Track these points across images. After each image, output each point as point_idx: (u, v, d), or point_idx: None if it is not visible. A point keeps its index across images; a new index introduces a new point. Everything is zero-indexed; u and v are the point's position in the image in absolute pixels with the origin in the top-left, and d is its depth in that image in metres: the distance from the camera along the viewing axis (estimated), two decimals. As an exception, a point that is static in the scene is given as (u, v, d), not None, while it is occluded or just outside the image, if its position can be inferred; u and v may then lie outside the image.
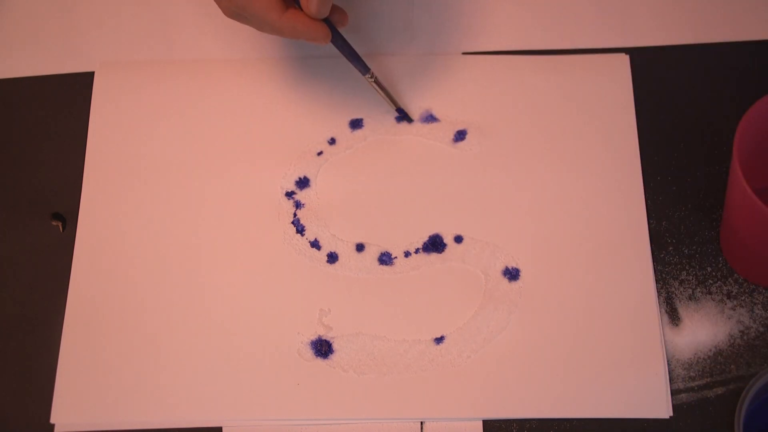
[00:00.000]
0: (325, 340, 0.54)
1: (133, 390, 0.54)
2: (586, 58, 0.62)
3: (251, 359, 0.54)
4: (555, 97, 0.60)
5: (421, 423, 0.53)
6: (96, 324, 0.56)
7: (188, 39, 0.64)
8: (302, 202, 0.59)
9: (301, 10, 0.51)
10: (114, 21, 0.66)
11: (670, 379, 0.53)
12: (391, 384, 0.53)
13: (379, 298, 0.56)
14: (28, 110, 0.63)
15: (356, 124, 0.60)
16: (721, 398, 0.52)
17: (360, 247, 0.57)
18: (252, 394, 0.53)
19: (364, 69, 0.57)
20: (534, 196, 0.58)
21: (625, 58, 0.61)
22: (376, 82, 0.57)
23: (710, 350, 0.54)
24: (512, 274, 0.56)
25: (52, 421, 0.53)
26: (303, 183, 0.59)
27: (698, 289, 0.55)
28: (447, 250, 0.57)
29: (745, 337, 0.54)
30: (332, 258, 0.57)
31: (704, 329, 0.54)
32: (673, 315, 0.55)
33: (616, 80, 0.61)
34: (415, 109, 0.61)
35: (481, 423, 0.52)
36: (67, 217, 0.59)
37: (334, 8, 0.53)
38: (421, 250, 0.57)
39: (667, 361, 0.53)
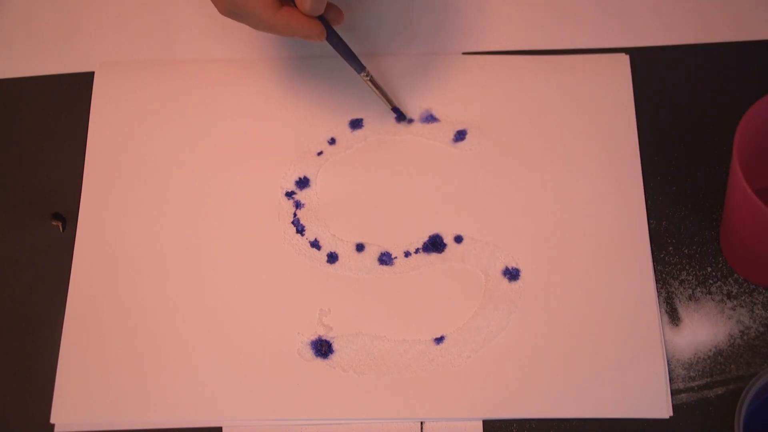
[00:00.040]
0: (325, 340, 0.54)
1: (133, 390, 0.54)
2: (586, 58, 0.62)
3: (251, 359, 0.54)
4: (555, 97, 0.60)
5: (421, 423, 0.53)
6: (96, 324, 0.56)
7: (188, 39, 0.64)
8: (302, 202, 0.59)
9: (296, 7, 0.50)
10: (114, 21, 0.66)
11: (670, 379, 0.53)
12: (391, 384, 0.53)
13: (379, 298, 0.56)
14: (28, 110, 0.63)
15: (356, 124, 0.60)
16: (721, 398, 0.52)
17: (360, 247, 0.57)
18: (252, 394, 0.53)
19: (360, 67, 0.57)
20: (534, 196, 0.58)
21: (625, 58, 0.61)
22: (372, 80, 0.57)
23: (710, 350, 0.54)
24: (512, 274, 0.56)
25: (52, 421, 0.53)
26: (303, 183, 0.59)
27: (698, 289, 0.55)
28: (447, 250, 0.57)
29: (745, 337, 0.54)
30: (332, 258, 0.57)
31: (704, 329, 0.54)
32: (673, 315, 0.55)
33: (616, 80, 0.61)
34: (415, 109, 0.61)
35: (481, 423, 0.52)
36: (67, 217, 0.59)
37: (330, 6, 0.53)
38: (421, 250, 0.57)
39: (667, 361, 0.53)
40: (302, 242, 0.57)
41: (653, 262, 0.56)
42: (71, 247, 0.58)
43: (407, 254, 0.57)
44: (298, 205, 0.59)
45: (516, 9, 0.64)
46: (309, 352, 0.54)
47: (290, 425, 0.53)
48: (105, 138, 0.61)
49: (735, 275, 0.55)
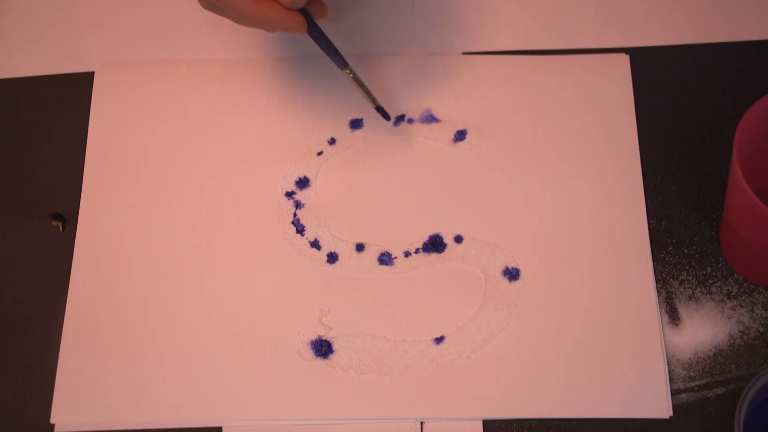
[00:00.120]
0: (325, 340, 0.54)
1: (133, 390, 0.54)
2: (586, 58, 0.62)
3: (251, 359, 0.54)
4: (555, 97, 0.60)
5: (421, 423, 0.53)
6: (96, 324, 0.56)
7: (188, 39, 0.64)
8: (302, 202, 0.59)
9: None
10: (114, 21, 0.66)
11: (670, 379, 0.53)
12: (391, 384, 0.53)
13: (379, 298, 0.56)
14: (28, 110, 0.63)
15: (356, 124, 0.60)
16: (721, 398, 0.52)
17: (360, 247, 0.57)
18: (252, 394, 0.53)
19: (342, 64, 0.55)
20: (534, 196, 0.58)
21: (625, 58, 0.61)
22: (355, 78, 0.56)
23: (710, 350, 0.54)
24: (512, 274, 0.56)
25: (52, 421, 0.53)
26: (303, 183, 0.59)
27: (698, 289, 0.55)
28: (447, 250, 0.57)
29: (745, 337, 0.54)
30: (332, 258, 0.57)
31: (704, 329, 0.54)
32: (673, 315, 0.55)
33: (616, 80, 0.61)
34: (415, 109, 0.61)
35: (481, 423, 0.52)
36: (67, 217, 0.59)
37: (313, 0, 0.51)
38: (421, 250, 0.57)
39: (667, 361, 0.53)
40: (302, 242, 0.57)
41: (653, 262, 0.56)
42: (71, 247, 0.58)
43: (407, 254, 0.57)
44: (298, 205, 0.59)
45: (516, 9, 0.64)
46: (309, 352, 0.54)
47: (290, 425, 0.53)
48: (105, 138, 0.61)
49: (735, 275, 0.55)
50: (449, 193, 0.58)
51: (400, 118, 0.60)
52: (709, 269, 0.56)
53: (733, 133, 0.48)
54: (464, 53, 0.63)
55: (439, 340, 0.54)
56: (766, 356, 0.53)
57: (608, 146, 0.59)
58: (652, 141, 0.59)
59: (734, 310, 0.55)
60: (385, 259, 0.57)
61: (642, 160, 0.58)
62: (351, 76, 0.56)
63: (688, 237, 0.57)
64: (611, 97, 0.60)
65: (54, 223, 0.59)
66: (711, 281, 0.55)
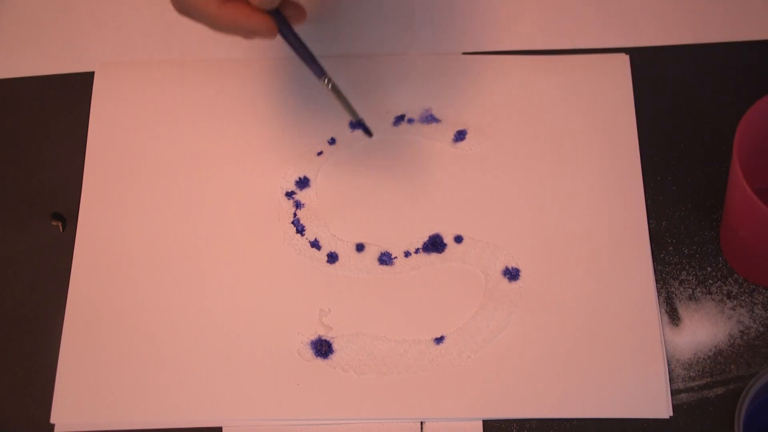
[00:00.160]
0: (325, 340, 0.54)
1: (133, 390, 0.54)
2: (586, 58, 0.62)
3: (251, 359, 0.54)
4: (555, 97, 0.60)
5: (421, 423, 0.53)
6: (96, 324, 0.56)
7: (188, 39, 0.64)
8: (302, 202, 0.59)
9: (245, 1, 0.47)
10: (114, 21, 0.66)
11: (670, 379, 0.53)
12: (391, 384, 0.53)
13: (379, 298, 0.56)
14: (28, 110, 0.63)
15: (356, 124, 0.60)
16: (721, 398, 0.52)
17: (360, 247, 0.57)
18: (252, 394, 0.53)
19: (319, 72, 0.52)
20: (534, 196, 0.58)
21: (625, 58, 0.61)
22: (334, 88, 0.52)
23: (710, 350, 0.54)
24: (512, 274, 0.56)
25: (52, 421, 0.53)
26: (303, 183, 0.59)
27: (698, 289, 0.55)
28: (447, 250, 0.57)
29: (745, 337, 0.54)
30: (332, 258, 0.57)
31: (704, 329, 0.54)
32: (673, 315, 0.55)
33: (616, 80, 0.61)
34: (415, 109, 0.61)
35: (481, 423, 0.52)
36: (67, 217, 0.59)
37: (289, 2, 0.49)
38: (421, 250, 0.57)
39: (667, 361, 0.53)
40: (302, 242, 0.57)
41: (653, 262, 0.56)
42: (71, 247, 0.58)
43: (407, 254, 0.57)
44: (298, 205, 0.59)
45: (516, 9, 0.64)
46: (309, 352, 0.54)
47: (290, 425, 0.53)
48: (105, 138, 0.61)
49: (735, 275, 0.55)
50: (449, 193, 0.58)
51: (400, 118, 0.60)
52: (709, 269, 0.56)
53: (733, 133, 0.48)
54: (464, 53, 0.63)
55: (439, 340, 0.54)
56: (766, 356, 0.53)
57: (608, 146, 0.59)
58: (652, 141, 0.59)
59: (734, 310, 0.55)
60: (385, 259, 0.57)
61: (642, 160, 0.58)
62: (329, 86, 0.52)
63: (688, 237, 0.57)
64: (611, 97, 0.60)
65: (54, 223, 0.59)
66: (711, 281, 0.55)
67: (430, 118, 0.60)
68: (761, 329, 0.54)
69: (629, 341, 0.53)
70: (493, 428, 0.52)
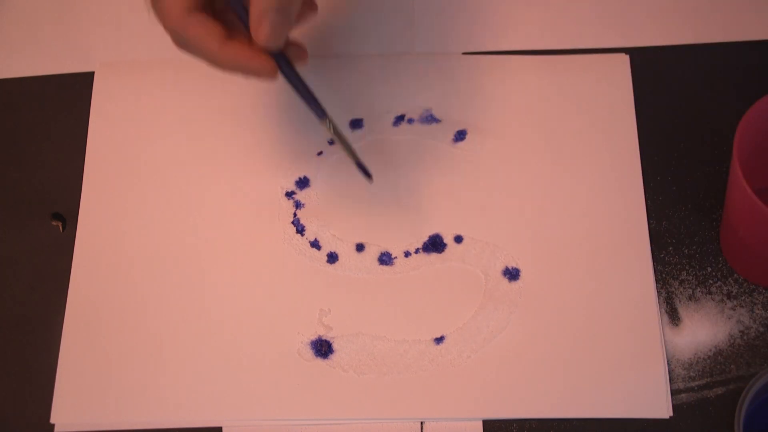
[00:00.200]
0: (325, 340, 0.54)
1: (133, 390, 0.54)
2: (586, 58, 0.62)
3: (251, 359, 0.54)
4: (555, 97, 0.60)
5: (421, 423, 0.53)
6: (96, 324, 0.56)
7: (188, 39, 0.64)
8: (302, 202, 0.59)
9: (248, 41, 0.45)
10: (114, 21, 0.66)
11: (670, 379, 0.53)
12: (391, 384, 0.53)
13: (379, 298, 0.56)
14: (28, 110, 0.63)
15: (356, 124, 0.60)
16: (721, 398, 0.52)
17: (360, 247, 0.57)
18: (252, 394, 0.53)
19: (321, 114, 0.50)
20: (534, 196, 0.58)
21: (625, 58, 0.61)
22: (335, 130, 0.51)
23: (710, 350, 0.54)
24: (512, 274, 0.56)
25: (52, 421, 0.53)
26: (303, 183, 0.59)
27: (698, 289, 0.55)
28: (447, 250, 0.57)
29: (745, 337, 0.54)
30: (332, 258, 0.57)
31: (704, 329, 0.54)
32: (673, 315, 0.55)
33: (616, 80, 0.61)
34: (415, 109, 0.61)
35: (481, 423, 0.52)
36: (67, 217, 0.59)
37: (292, 43, 0.48)
38: (421, 250, 0.57)
39: (667, 361, 0.53)
40: (302, 242, 0.57)
41: (653, 262, 0.56)
42: (71, 247, 0.58)
43: (407, 254, 0.57)
44: (298, 205, 0.59)
45: (516, 9, 0.64)
46: (309, 352, 0.54)
47: (290, 425, 0.53)
48: (105, 138, 0.61)
49: (735, 275, 0.55)
50: (449, 193, 0.58)
51: (400, 118, 0.60)
52: (709, 269, 0.56)
53: (733, 133, 0.48)
54: (464, 53, 0.63)
55: (439, 340, 0.54)
56: (766, 356, 0.53)
57: (608, 146, 0.59)
58: (652, 141, 0.59)
59: (734, 310, 0.55)
60: (385, 259, 0.57)
61: (642, 160, 0.58)
62: (330, 128, 0.51)
63: (688, 237, 0.57)
64: (611, 97, 0.60)
65: (54, 223, 0.59)
66: (711, 281, 0.55)
67: (430, 118, 0.60)
68: (761, 329, 0.54)
69: (629, 341, 0.53)
70: (493, 428, 0.52)
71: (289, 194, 0.59)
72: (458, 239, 0.57)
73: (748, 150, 0.49)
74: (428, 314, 0.55)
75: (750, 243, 0.52)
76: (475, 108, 0.61)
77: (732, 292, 0.55)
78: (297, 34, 0.50)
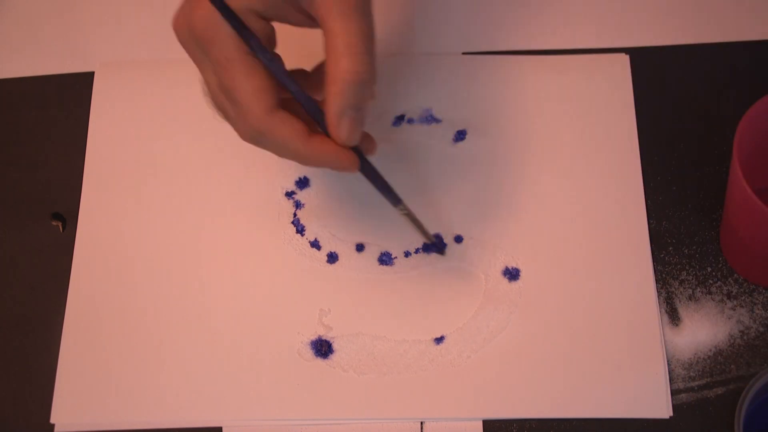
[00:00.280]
0: (325, 340, 0.54)
1: (133, 390, 0.54)
2: (586, 58, 0.62)
3: (251, 359, 0.54)
4: (555, 97, 0.60)
5: (421, 423, 0.53)
6: (96, 324, 0.56)
7: (188, 39, 0.64)
8: (302, 202, 0.59)
9: (328, 137, 0.45)
10: (114, 21, 0.66)
11: (670, 379, 0.53)
12: (391, 384, 0.53)
13: (379, 298, 0.56)
14: (28, 110, 0.63)
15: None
16: (721, 398, 0.52)
17: (360, 247, 0.57)
18: (252, 394, 0.53)
19: (396, 200, 0.51)
20: (534, 196, 0.58)
21: (625, 58, 0.61)
22: (408, 214, 0.52)
23: (710, 350, 0.54)
24: (512, 274, 0.56)
25: (52, 421, 0.53)
26: (303, 183, 0.59)
27: (698, 289, 0.55)
28: (447, 250, 0.57)
29: (745, 337, 0.54)
30: (332, 258, 0.57)
31: (704, 329, 0.54)
32: (673, 315, 0.55)
33: (616, 80, 0.61)
34: (415, 109, 0.61)
35: (481, 423, 0.52)
36: (67, 217, 0.59)
37: (363, 135, 0.47)
38: (420, 250, 0.57)
39: (667, 361, 0.53)
40: (302, 242, 0.57)
41: (653, 262, 0.56)
42: (71, 247, 0.58)
43: (407, 254, 0.57)
44: (298, 205, 0.59)
45: (516, 9, 0.64)
46: (309, 352, 0.54)
47: (290, 425, 0.53)
48: (105, 138, 0.61)
49: (735, 275, 0.55)
50: (449, 193, 0.58)
51: (400, 118, 0.60)
52: (709, 269, 0.56)
53: (733, 133, 0.48)
54: (464, 53, 0.63)
55: (439, 340, 0.54)
56: (766, 356, 0.53)
57: (608, 146, 0.59)
58: (652, 141, 0.59)
59: (734, 310, 0.55)
60: (385, 259, 0.57)
61: (642, 160, 0.58)
62: (404, 213, 0.51)
63: (688, 237, 0.57)
64: (611, 97, 0.60)
65: (54, 223, 0.59)
66: (711, 281, 0.55)
67: (430, 118, 0.60)
68: (761, 329, 0.54)
69: (629, 341, 0.53)
70: (493, 428, 0.53)
71: (289, 194, 0.59)
72: (458, 239, 0.57)
73: (748, 150, 0.49)
74: (428, 314, 0.55)
75: (750, 243, 0.52)
76: (475, 108, 0.60)
77: (732, 292, 0.55)
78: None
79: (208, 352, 0.54)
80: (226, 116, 0.46)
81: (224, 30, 0.42)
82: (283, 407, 0.53)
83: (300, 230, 0.58)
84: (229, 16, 0.41)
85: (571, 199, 0.57)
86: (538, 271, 0.56)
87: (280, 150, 0.45)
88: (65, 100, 0.63)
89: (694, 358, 0.53)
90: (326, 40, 0.42)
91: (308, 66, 0.48)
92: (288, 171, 0.59)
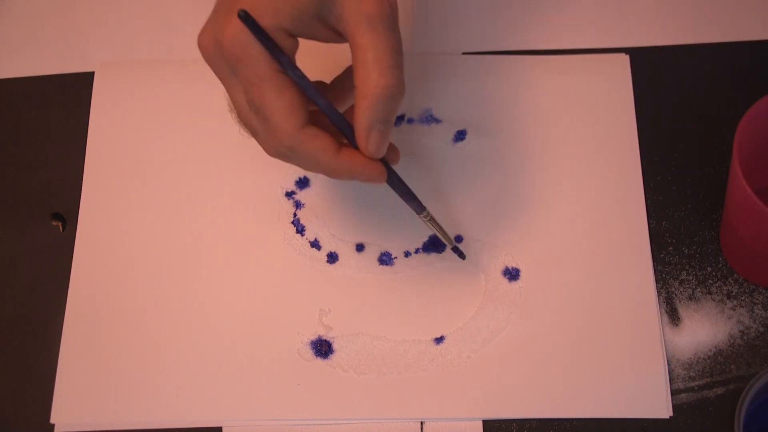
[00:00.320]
0: (325, 340, 0.54)
1: (133, 390, 0.54)
2: (586, 58, 0.62)
3: (251, 359, 0.54)
4: (555, 97, 0.60)
5: (421, 423, 0.53)
6: (96, 324, 0.56)
7: (188, 39, 0.64)
8: (302, 202, 0.59)
9: (356, 149, 0.45)
10: (114, 21, 0.66)
11: (670, 379, 0.53)
12: (391, 384, 0.53)
13: (379, 298, 0.56)
14: (28, 110, 0.63)
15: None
16: (721, 398, 0.52)
17: (360, 247, 0.57)
18: (252, 394, 0.53)
19: (420, 208, 0.51)
20: (534, 196, 0.58)
21: (625, 58, 0.61)
22: (432, 221, 0.52)
23: (710, 350, 0.54)
24: (512, 274, 0.56)
25: (52, 421, 0.53)
26: (303, 183, 0.59)
27: (698, 289, 0.55)
28: (447, 250, 0.57)
29: (745, 337, 0.54)
30: (332, 258, 0.57)
31: (704, 329, 0.54)
32: (673, 315, 0.55)
33: (616, 80, 0.61)
34: (415, 109, 0.61)
35: (481, 423, 0.52)
36: (67, 217, 0.59)
37: (389, 146, 0.48)
38: (420, 250, 0.57)
39: (667, 361, 0.53)
40: (302, 242, 0.57)
41: (653, 262, 0.56)
42: (71, 247, 0.58)
43: (407, 254, 0.57)
44: (298, 205, 0.59)
45: (516, 9, 0.64)
46: (309, 352, 0.54)
47: (290, 425, 0.53)
48: (105, 138, 0.61)
49: (735, 275, 0.55)
50: (449, 193, 0.58)
51: (400, 118, 0.60)
52: (709, 269, 0.56)
53: (733, 133, 0.48)
54: (464, 53, 0.63)
55: (439, 340, 0.54)
56: (766, 356, 0.53)
57: (608, 146, 0.59)
58: (652, 141, 0.59)
59: (734, 310, 0.55)
60: (385, 259, 0.57)
61: (642, 160, 0.58)
62: (428, 219, 0.52)
63: (688, 237, 0.57)
64: (611, 97, 0.60)
65: (54, 223, 0.59)
66: (711, 281, 0.55)
67: (430, 118, 0.60)
68: (761, 329, 0.54)
69: (629, 341, 0.53)
70: (493, 428, 0.53)
71: (289, 194, 0.59)
72: (458, 239, 0.57)
73: (748, 150, 0.49)
74: (428, 314, 0.55)
75: (750, 243, 0.52)
76: (475, 108, 0.61)
77: (732, 292, 0.55)
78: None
79: (208, 352, 0.54)
80: (253, 132, 0.46)
81: (255, 49, 0.42)
82: (283, 407, 0.53)
83: (300, 230, 0.58)
84: (262, 36, 0.41)
85: (571, 199, 0.57)
86: (538, 271, 0.56)
87: (310, 164, 0.45)
88: (65, 100, 0.63)
89: (694, 358, 0.53)
90: (355, 55, 0.42)
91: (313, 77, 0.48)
92: (288, 171, 0.59)
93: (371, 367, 0.54)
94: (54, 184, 0.61)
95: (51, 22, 0.66)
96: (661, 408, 0.52)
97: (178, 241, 0.58)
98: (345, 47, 0.44)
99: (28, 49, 0.65)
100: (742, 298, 0.55)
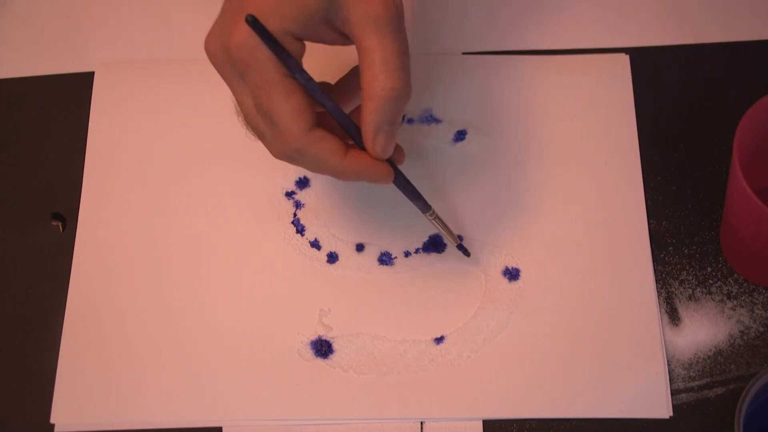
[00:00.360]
0: (325, 340, 0.54)
1: (133, 390, 0.54)
2: (586, 58, 0.62)
3: (251, 359, 0.54)
4: (555, 97, 0.60)
5: (421, 423, 0.53)
6: (96, 324, 0.56)
7: (188, 39, 0.64)
8: (302, 202, 0.59)
9: (362, 150, 0.45)
10: (114, 21, 0.66)
11: (670, 379, 0.53)
12: (391, 384, 0.53)
13: (379, 298, 0.56)
14: (28, 110, 0.63)
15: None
16: (721, 398, 0.52)
17: (360, 247, 0.57)
18: (252, 394, 0.53)
19: (425, 207, 0.51)
20: (534, 196, 0.58)
21: (625, 58, 0.61)
22: (437, 219, 0.52)
23: (710, 350, 0.54)
24: (512, 274, 0.56)
25: (52, 421, 0.53)
26: (303, 183, 0.59)
27: (698, 289, 0.55)
28: (447, 250, 0.57)
29: (745, 337, 0.54)
30: (332, 258, 0.57)
31: (704, 329, 0.54)
32: (673, 315, 0.55)
33: (616, 80, 0.61)
34: (415, 109, 0.61)
35: (481, 423, 0.53)
36: (67, 217, 0.59)
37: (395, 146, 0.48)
38: (420, 250, 0.57)
39: (667, 361, 0.53)
40: (302, 242, 0.57)
41: (653, 262, 0.56)
42: (71, 247, 0.58)
43: (407, 254, 0.57)
44: (298, 205, 0.59)
45: (516, 9, 0.64)
46: (309, 352, 0.54)
47: (290, 425, 0.53)
48: (105, 138, 0.61)
49: (735, 275, 0.55)
50: (449, 193, 0.58)
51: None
52: (709, 269, 0.56)
53: (733, 133, 0.48)
54: (464, 53, 0.63)
55: (439, 340, 0.54)
56: (766, 356, 0.53)
57: (608, 146, 0.59)
58: (652, 141, 0.59)
59: (734, 310, 0.55)
60: (385, 259, 0.57)
61: (642, 160, 0.58)
62: (433, 218, 0.52)
63: (688, 237, 0.57)
64: (611, 97, 0.60)
65: (54, 223, 0.59)
66: (711, 281, 0.55)
67: (430, 118, 0.60)
68: (761, 329, 0.54)
69: (629, 341, 0.53)
70: (493, 428, 0.53)
71: (289, 194, 0.59)
72: (458, 239, 0.57)
73: (748, 150, 0.49)
74: (428, 314, 0.55)
75: (750, 243, 0.52)
76: (475, 108, 0.61)
77: (732, 292, 0.55)
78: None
79: (208, 352, 0.54)
80: (260, 136, 0.46)
81: (263, 53, 0.42)
82: (283, 407, 0.53)
83: (300, 230, 0.58)
84: (269, 40, 0.41)
85: (571, 199, 0.57)
86: (538, 271, 0.56)
87: (317, 167, 0.45)
88: (65, 100, 0.63)
89: (694, 358, 0.53)
90: (362, 57, 0.42)
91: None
92: (288, 171, 0.59)
93: (371, 367, 0.54)
94: (54, 184, 0.61)
95: (51, 22, 0.66)
96: (661, 408, 0.52)
97: (177, 241, 0.58)
98: (348, 48, 0.44)
99: (28, 49, 0.65)
100: (742, 298, 0.55)
